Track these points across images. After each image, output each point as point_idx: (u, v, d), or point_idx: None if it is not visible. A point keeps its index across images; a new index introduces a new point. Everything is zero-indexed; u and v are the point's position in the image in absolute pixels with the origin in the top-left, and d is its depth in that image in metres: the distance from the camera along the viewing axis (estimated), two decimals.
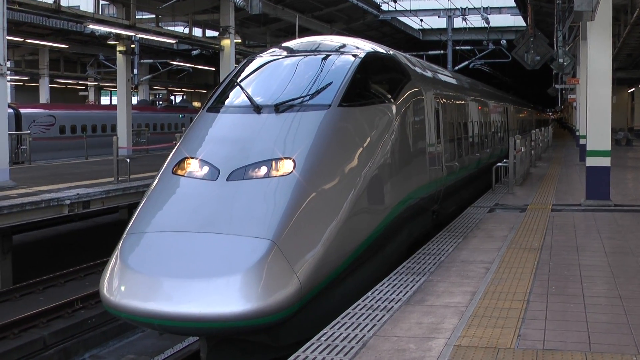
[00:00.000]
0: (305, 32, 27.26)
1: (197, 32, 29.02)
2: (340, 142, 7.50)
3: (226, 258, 5.95)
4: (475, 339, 5.28)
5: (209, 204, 6.59)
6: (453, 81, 14.73)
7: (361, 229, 7.25)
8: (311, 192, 6.69)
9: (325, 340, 5.32)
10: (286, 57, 8.78)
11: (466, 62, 34.11)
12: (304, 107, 7.62)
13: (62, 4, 19.40)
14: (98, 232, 18.95)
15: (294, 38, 13.03)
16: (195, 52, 29.56)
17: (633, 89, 45.97)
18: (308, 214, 6.52)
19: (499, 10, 34.19)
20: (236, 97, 8.24)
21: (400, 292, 6.64)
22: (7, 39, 16.01)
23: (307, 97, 7.73)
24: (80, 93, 51.93)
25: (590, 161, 12.62)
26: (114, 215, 19.09)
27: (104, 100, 57.45)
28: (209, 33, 31.62)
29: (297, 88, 7.92)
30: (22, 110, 29.18)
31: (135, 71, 27.04)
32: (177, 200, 6.90)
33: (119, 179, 16.44)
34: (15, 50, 36.55)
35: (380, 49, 9.66)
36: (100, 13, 27.09)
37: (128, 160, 17.11)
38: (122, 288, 6.07)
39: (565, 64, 21.09)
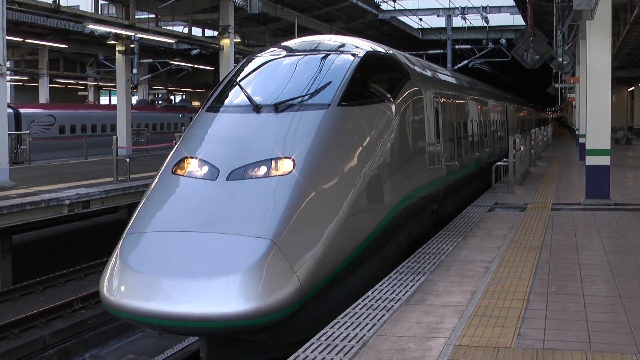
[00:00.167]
0: (304, 31, 27.26)
1: (197, 31, 29.01)
2: (340, 141, 7.49)
3: (226, 258, 5.95)
4: (475, 339, 5.27)
5: (209, 204, 6.58)
6: (452, 80, 14.72)
7: (361, 229, 7.25)
8: (311, 192, 6.69)
9: (325, 339, 5.31)
10: (285, 56, 8.76)
11: (465, 62, 34.14)
12: (303, 106, 7.62)
13: (61, 3, 19.39)
14: (98, 232, 18.93)
15: (294, 37, 13.02)
16: (194, 52, 29.61)
17: (633, 88, 45.90)
18: (308, 214, 6.52)
19: (499, 9, 34.15)
20: (236, 96, 8.23)
21: (400, 291, 6.63)
22: (7, 39, 16.01)
23: (307, 97, 7.73)
24: (80, 93, 51.95)
25: (590, 160, 12.60)
26: (114, 215, 19.06)
27: (104, 100, 57.40)
28: (209, 32, 31.62)
29: (296, 87, 7.92)
30: (21, 110, 29.18)
31: (135, 71, 27.07)
32: (177, 200, 6.89)
33: (119, 178, 16.44)
34: (15, 50, 36.54)
35: (379, 48, 9.66)
36: (99, 13, 27.15)
37: (128, 160, 17.09)
38: (122, 288, 6.06)
39: (564, 63, 21.11)
